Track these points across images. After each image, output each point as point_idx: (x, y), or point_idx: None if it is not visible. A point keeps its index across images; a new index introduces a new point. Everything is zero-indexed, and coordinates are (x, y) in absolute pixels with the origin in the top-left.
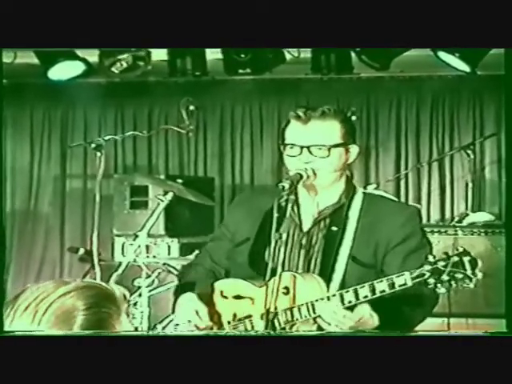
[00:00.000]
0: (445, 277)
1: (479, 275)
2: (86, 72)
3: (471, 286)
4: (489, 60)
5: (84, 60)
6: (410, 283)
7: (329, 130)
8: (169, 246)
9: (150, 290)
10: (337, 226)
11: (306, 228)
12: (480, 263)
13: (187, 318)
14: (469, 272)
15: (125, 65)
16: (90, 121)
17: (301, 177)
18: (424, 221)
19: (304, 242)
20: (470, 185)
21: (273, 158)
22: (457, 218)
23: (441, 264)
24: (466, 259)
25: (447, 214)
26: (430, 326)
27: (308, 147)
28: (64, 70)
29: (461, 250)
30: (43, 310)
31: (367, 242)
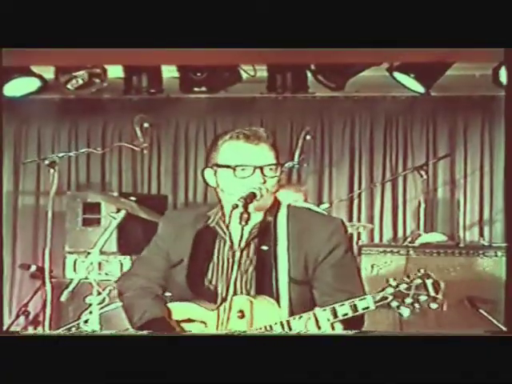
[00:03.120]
0: (408, 299)
1: (441, 296)
2: (40, 88)
3: (434, 307)
4: (443, 81)
5: (39, 76)
6: (372, 306)
7: (270, 151)
8: (121, 264)
9: (101, 308)
10: (266, 245)
11: (238, 247)
12: (443, 285)
13: None
14: (432, 294)
15: (80, 82)
16: (43, 137)
17: (254, 196)
18: (376, 240)
19: (238, 261)
20: (423, 205)
21: None
22: (409, 239)
23: (403, 287)
24: (428, 281)
25: (400, 234)
26: None
27: (261, 167)
28: (19, 87)
29: (422, 272)
30: None
31: (298, 259)
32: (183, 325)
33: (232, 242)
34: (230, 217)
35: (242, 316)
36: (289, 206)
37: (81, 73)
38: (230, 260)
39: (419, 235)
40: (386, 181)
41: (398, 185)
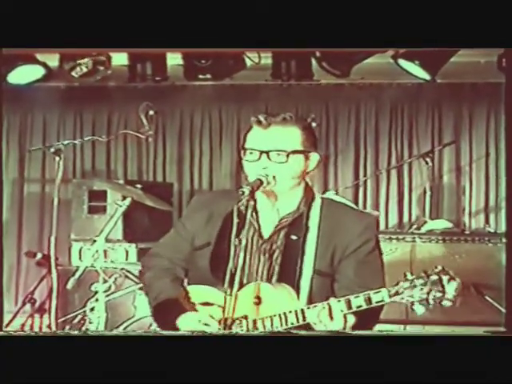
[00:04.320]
0: (423, 295)
1: (456, 293)
2: (45, 76)
3: (448, 304)
4: (448, 68)
5: (44, 64)
6: (387, 300)
7: (289, 136)
8: (127, 251)
9: (107, 295)
10: (296, 235)
11: (266, 235)
12: (458, 281)
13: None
14: (447, 290)
15: (85, 69)
16: (49, 125)
17: (261, 182)
18: (382, 228)
19: (264, 249)
20: (429, 192)
21: (231, 164)
22: (415, 226)
23: (419, 282)
24: (444, 278)
25: (405, 221)
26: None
27: (267, 152)
28: (24, 74)
29: (440, 268)
30: None
31: (325, 250)
32: (200, 308)
33: (260, 228)
34: (256, 202)
35: (259, 302)
36: (323, 198)
37: (85, 60)
38: (255, 246)
39: (425, 222)
40: (391, 168)
41: (403, 172)
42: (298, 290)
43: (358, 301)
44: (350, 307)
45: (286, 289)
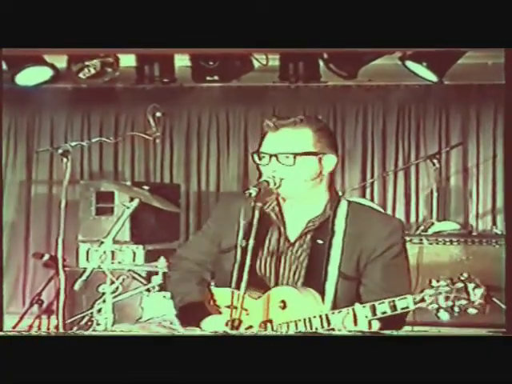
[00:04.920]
0: (448, 303)
1: (482, 301)
2: (53, 77)
3: (474, 312)
4: (456, 70)
5: (52, 66)
6: (412, 307)
7: (299, 138)
8: (134, 253)
9: (115, 297)
10: (322, 240)
11: (292, 239)
12: (483, 289)
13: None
14: (473, 299)
15: (92, 71)
16: (56, 126)
17: (268, 184)
18: None
19: (290, 252)
20: (436, 194)
21: (239, 166)
22: (422, 227)
23: (444, 290)
24: (470, 286)
25: (412, 223)
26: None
27: (275, 155)
28: (31, 76)
29: (466, 276)
30: None
31: (351, 255)
32: (224, 310)
33: (286, 232)
34: (280, 206)
35: (284, 307)
36: (350, 202)
37: (93, 62)
38: (281, 249)
39: (432, 224)
40: (398, 169)
41: (410, 173)
42: (323, 293)
43: (383, 307)
44: (374, 313)
45: (311, 293)
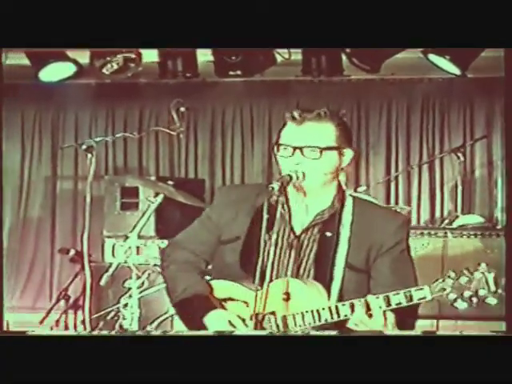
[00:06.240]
0: (467, 293)
1: (501, 291)
2: (76, 73)
3: (494, 302)
4: (479, 63)
5: (75, 61)
6: (429, 297)
7: (323, 132)
8: (159, 248)
9: (141, 292)
10: (330, 232)
11: (298, 231)
12: (503, 280)
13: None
14: (492, 289)
15: (115, 66)
16: (80, 122)
17: (290, 178)
18: (414, 223)
19: (295, 245)
20: (460, 187)
21: (263, 160)
22: (447, 221)
23: (464, 280)
24: (489, 276)
25: (437, 217)
26: (418, 328)
27: (300, 148)
28: (55, 72)
29: (484, 266)
30: None
31: (360, 248)
32: (224, 304)
33: (291, 224)
34: (287, 198)
35: (288, 298)
36: (354, 196)
37: (116, 57)
38: (286, 242)
39: (457, 217)
40: (422, 163)
41: (435, 167)
42: (329, 285)
43: (398, 298)
44: (389, 303)
45: (315, 285)
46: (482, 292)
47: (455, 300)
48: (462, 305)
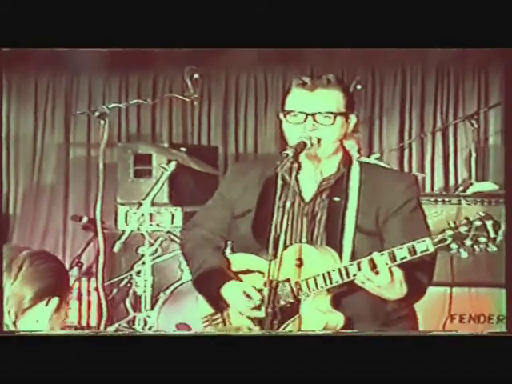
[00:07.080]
0: (468, 241)
1: (501, 237)
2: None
3: (494, 249)
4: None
5: None
6: (432, 249)
7: (333, 98)
8: (172, 215)
9: (154, 259)
10: (339, 197)
11: (308, 198)
12: (503, 226)
13: (241, 303)
14: (492, 235)
15: None
16: (94, 89)
17: (305, 145)
18: (427, 190)
19: (306, 211)
20: (474, 154)
21: (276, 127)
22: (461, 188)
23: (463, 229)
24: (488, 223)
25: (451, 184)
26: (433, 295)
27: (313, 115)
28: None
29: (482, 214)
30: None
31: (369, 210)
32: (241, 276)
33: (301, 191)
34: (299, 165)
35: (300, 264)
36: (360, 162)
37: None
38: (297, 209)
39: (471, 184)
40: (436, 130)
41: (448, 134)
42: (341, 249)
43: (402, 252)
44: (394, 259)
45: (328, 250)
46: (481, 239)
47: (457, 250)
48: (463, 254)
